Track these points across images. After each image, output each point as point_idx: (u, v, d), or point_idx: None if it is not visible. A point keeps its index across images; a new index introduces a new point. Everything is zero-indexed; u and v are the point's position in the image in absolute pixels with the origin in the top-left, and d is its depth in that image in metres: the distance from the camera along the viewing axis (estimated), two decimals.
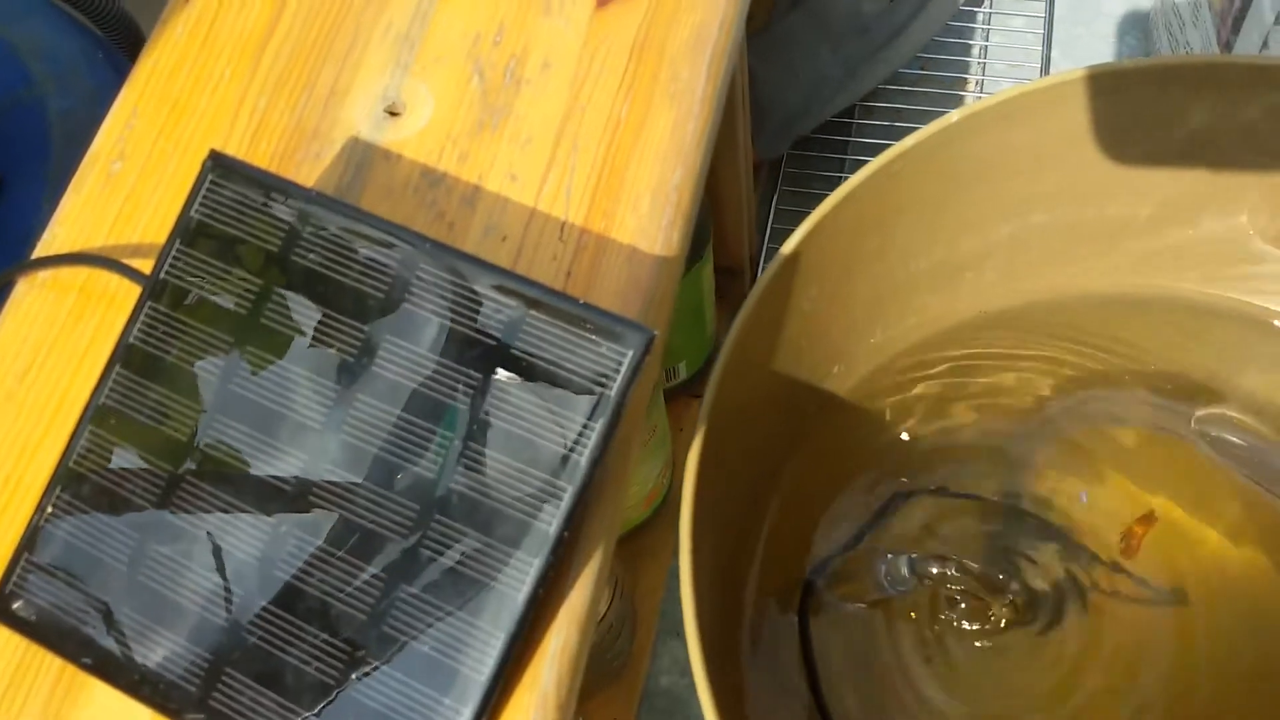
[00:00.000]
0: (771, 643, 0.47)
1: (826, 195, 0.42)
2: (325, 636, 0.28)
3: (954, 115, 0.43)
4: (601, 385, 0.28)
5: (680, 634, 0.69)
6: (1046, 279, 0.52)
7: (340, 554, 0.28)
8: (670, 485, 0.65)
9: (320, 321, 0.30)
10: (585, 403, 0.28)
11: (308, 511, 0.28)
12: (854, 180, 0.41)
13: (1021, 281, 0.51)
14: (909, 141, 0.42)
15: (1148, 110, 0.47)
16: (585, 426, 0.28)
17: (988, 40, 0.90)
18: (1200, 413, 0.52)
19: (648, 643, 0.64)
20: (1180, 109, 0.47)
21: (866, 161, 0.42)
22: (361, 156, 0.36)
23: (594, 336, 0.28)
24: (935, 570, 0.48)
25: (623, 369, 0.28)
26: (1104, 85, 0.45)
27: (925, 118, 0.43)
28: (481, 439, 0.28)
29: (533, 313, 0.29)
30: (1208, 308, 0.52)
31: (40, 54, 0.57)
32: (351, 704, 0.27)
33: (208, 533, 0.28)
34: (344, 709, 0.27)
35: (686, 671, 0.67)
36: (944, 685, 0.49)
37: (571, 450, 0.28)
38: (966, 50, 0.89)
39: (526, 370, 0.29)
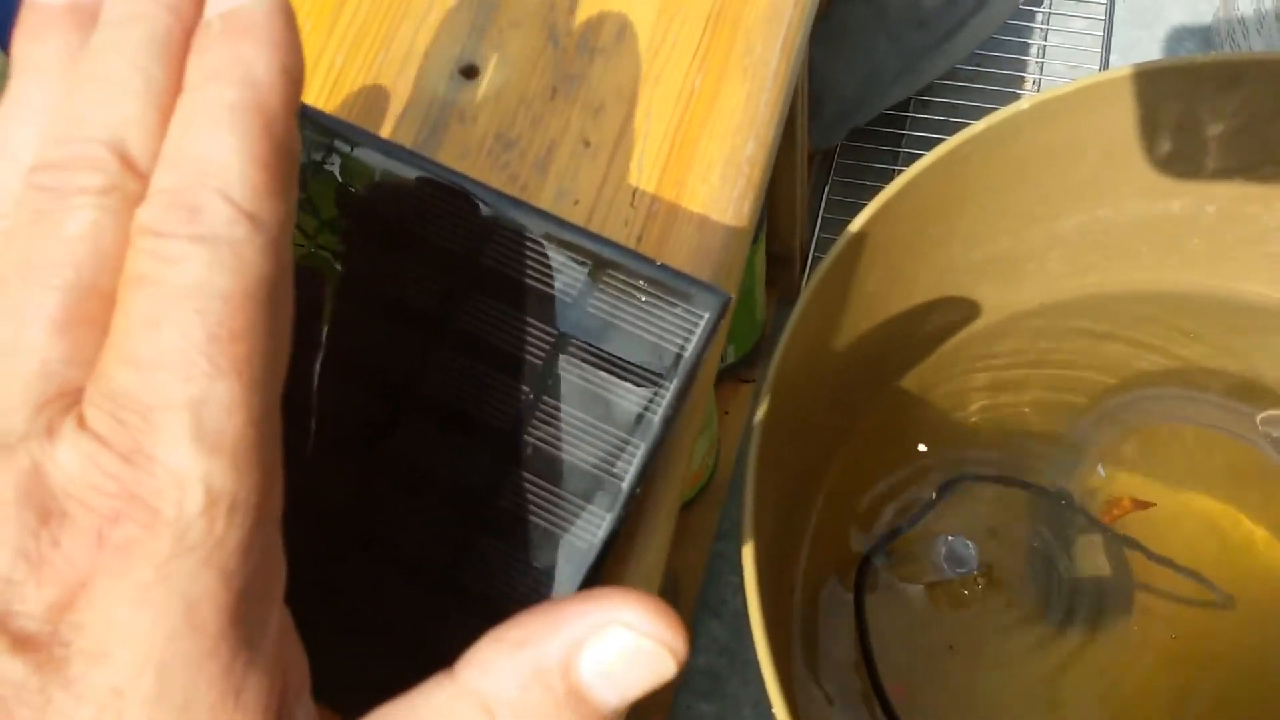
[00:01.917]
0: (826, 618, 0.47)
1: (879, 187, 0.42)
2: (399, 580, 0.28)
3: (1024, 102, 0.43)
4: (677, 346, 0.28)
5: (719, 614, 0.70)
6: (1110, 273, 0.51)
7: (414, 501, 0.28)
8: (714, 467, 0.65)
9: (397, 273, 0.30)
10: (660, 363, 0.28)
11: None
12: (923, 163, 0.41)
13: (1084, 275, 0.51)
14: (979, 126, 0.42)
15: (1218, 105, 0.46)
16: (660, 386, 0.28)
17: (1046, 40, 0.89)
18: (1264, 414, 0.52)
19: (688, 622, 0.65)
20: (1251, 106, 0.46)
21: (920, 155, 0.42)
22: (437, 117, 0.37)
23: (670, 298, 0.28)
24: (988, 556, 0.48)
25: (698, 330, 0.28)
26: (1175, 78, 0.45)
27: (981, 114, 0.43)
28: (556, 394, 0.28)
29: (609, 272, 0.29)
30: (1273, 308, 0.52)
31: None
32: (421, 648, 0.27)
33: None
34: (412, 655, 0.27)
35: (725, 651, 0.67)
36: (995, 672, 0.48)
37: (645, 409, 0.28)
38: (1024, 49, 0.88)
39: (602, 328, 0.29)
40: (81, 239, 0.16)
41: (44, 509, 0.15)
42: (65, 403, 0.15)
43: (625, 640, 0.17)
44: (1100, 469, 0.52)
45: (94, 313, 0.16)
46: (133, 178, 0.16)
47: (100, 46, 0.17)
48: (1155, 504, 0.51)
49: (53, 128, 0.17)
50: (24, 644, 0.14)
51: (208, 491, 0.15)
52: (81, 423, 0.15)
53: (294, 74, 0.17)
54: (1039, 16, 0.90)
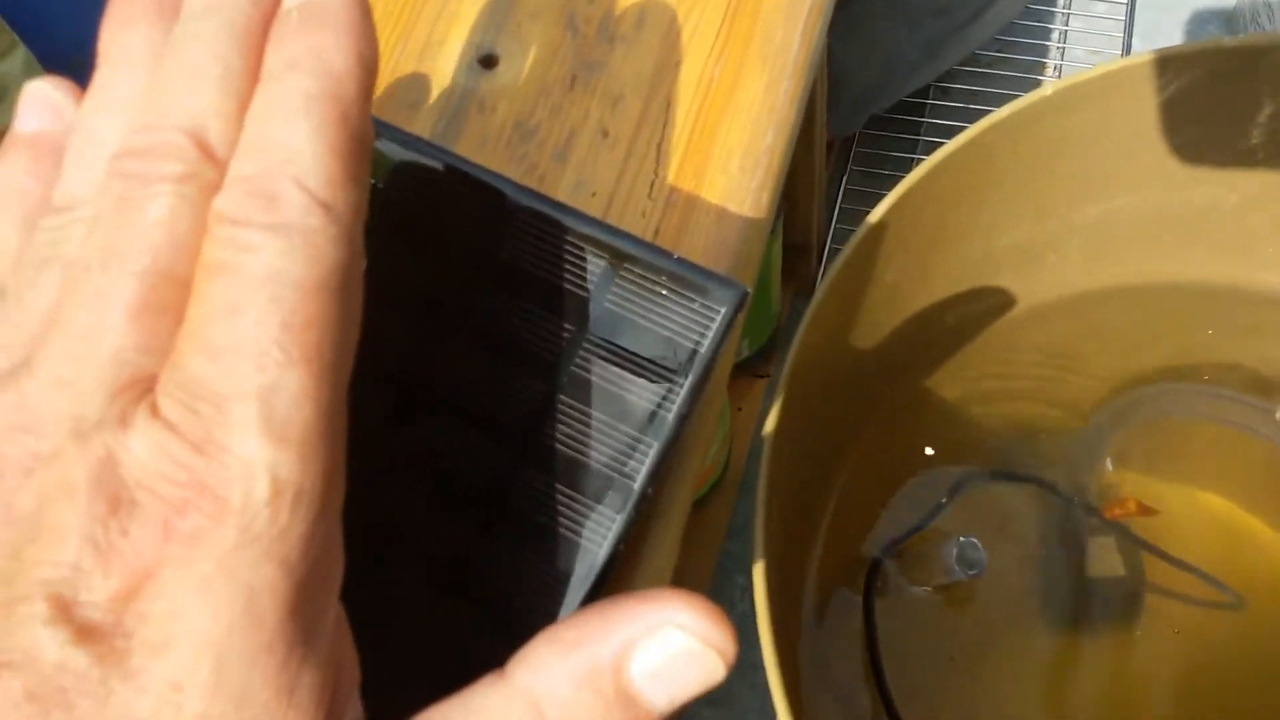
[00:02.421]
0: (834, 622, 0.47)
1: (898, 176, 0.41)
2: (407, 578, 0.28)
3: (1048, 88, 0.42)
4: (693, 341, 0.28)
5: (729, 614, 0.69)
6: (1130, 264, 0.50)
7: (423, 500, 0.28)
8: (726, 463, 0.65)
9: (411, 266, 0.30)
10: (675, 358, 0.28)
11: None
12: (945, 150, 0.41)
13: (1105, 265, 0.50)
14: (1003, 112, 0.41)
15: (1243, 91, 0.46)
16: (674, 382, 0.28)
17: (1067, 25, 0.88)
18: None
19: None
20: (1277, 91, 0.45)
21: (940, 143, 0.42)
22: (456, 107, 0.36)
23: (686, 291, 0.28)
24: (999, 557, 0.47)
25: (715, 325, 0.28)
26: (1201, 63, 0.44)
27: (1002, 101, 0.42)
28: (570, 390, 0.28)
29: (626, 265, 0.29)
30: None
31: None
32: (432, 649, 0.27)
33: None
34: (423, 654, 0.27)
35: None
36: (1004, 673, 0.48)
37: (659, 406, 0.27)
38: (1046, 34, 0.87)
39: (618, 323, 0.28)
40: (159, 225, 0.16)
41: (114, 498, 0.15)
42: (138, 390, 0.15)
43: (677, 642, 0.17)
44: (1109, 463, 0.51)
45: (169, 300, 0.16)
46: (211, 165, 0.16)
47: (182, 36, 0.17)
48: (1160, 511, 0.50)
49: (136, 116, 0.17)
50: (88, 634, 0.14)
51: (274, 481, 0.15)
52: (155, 412, 0.15)
53: (369, 64, 0.18)
54: (1060, 1, 0.89)
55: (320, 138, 0.16)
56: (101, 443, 0.15)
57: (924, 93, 0.82)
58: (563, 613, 0.27)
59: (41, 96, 0.20)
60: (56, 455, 0.15)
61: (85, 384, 0.15)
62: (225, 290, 0.15)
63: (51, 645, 0.14)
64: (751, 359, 0.68)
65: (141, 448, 0.15)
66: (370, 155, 0.19)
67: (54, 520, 0.15)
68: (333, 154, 0.16)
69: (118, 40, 0.19)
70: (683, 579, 0.63)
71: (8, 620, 0.14)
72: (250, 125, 0.17)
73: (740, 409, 0.68)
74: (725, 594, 0.68)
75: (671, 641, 0.17)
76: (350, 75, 0.17)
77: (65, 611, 0.14)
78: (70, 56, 0.55)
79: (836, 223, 0.78)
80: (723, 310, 0.28)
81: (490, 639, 0.27)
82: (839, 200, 0.79)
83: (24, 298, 0.17)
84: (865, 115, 0.78)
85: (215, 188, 0.16)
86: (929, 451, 0.51)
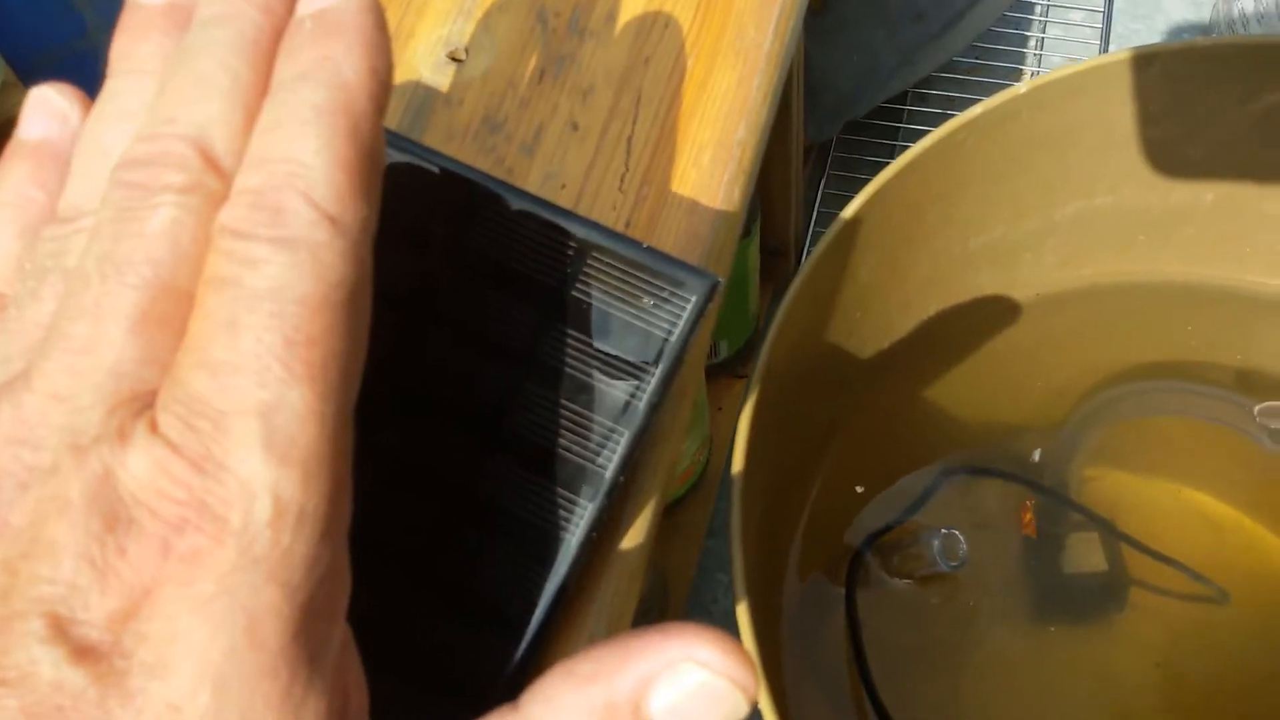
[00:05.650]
0: (817, 614, 0.47)
1: None
2: (377, 573, 0.27)
3: (1022, 86, 0.42)
4: (664, 331, 0.27)
5: (711, 613, 0.69)
6: (1106, 263, 0.50)
7: (393, 490, 0.27)
8: (706, 463, 0.64)
9: (381, 256, 0.29)
10: (646, 348, 0.27)
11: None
12: (918, 148, 0.40)
13: (1081, 265, 0.50)
14: (976, 110, 0.41)
15: (1218, 91, 0.46)
16: (646, 372, 0.27)
17: (1044, 32, 0.89)
18: (1262, 406, 0.51)
19: (679, 619, 0.64)
20: (1252, 91, 0.46)
21: None
22: (422, 101, 0.36)
23: (658, 281, 0.28)
24: (980, 551, 0.47)
25: (685, 315, 0.28)
26: (1175, 63, 0.44)
27: None
28: (540, 381, 0.28)
29: (596, 255, 0.28)
30: (1271, 299, 0.51)
31: (93, 3, 0.57)
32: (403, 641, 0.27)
33: None
34: (396, 647, 0.26)
35: None
36: (986, 667, 0.48)
37: (631, 396, 0.27)
38: (1023, 41, 0.88)
39: (589, 313, 0.28)
40: (161, 236, 0.16)
41: (112, 515, 0.14)
42: (138, 405, 0.15)
43: (698, 678, 0.17)
44: (1089, 459, 0.51)
45: (171, 313, 0.15)
46: (215, 176, 0.16)
47: (191, 45, 0.17)
48: (1034, 535, 0.50)
49: (142, 125, 0.17)
50: (85, 654, 0.14)
51: (276, 501, 0.15)
52: (154, 427, 0.15)
53: (383, 76, 0.17)
54: (1037, 9, 0.89)
55: (329, 151, 0.16)
56: (99, 458, 0.14)
57: (901, 99, 0.83)
58: (539, 602, 0.26)
59: (47, 102, 0.20)
60: (53, 470, 0.15)
61: (83, 398, 0.15)
62: (227, 304, 0.15)
63: (48, 664, 0.14)
64: (730, 360, 0.67)
65: (140, 464, 0.14)
66: (382, 170, 0.18)
67: (50, 536, 0.14)
68: (341, 167, 0.16)
69: (129, 50, 0.18)
70: (667, 577, 0.63)
71: (3, 637, 0.14)
72: (257, 137, 0.16)
73: (720, 409, 0.68)
74: (707, 591, 0.68)
75: (692, 677, 0.17)
76: (362, 87, 0.17)
77: (62, 630, 0.14)
78: (39, 55, 0.55)
79: (814, 226, 0.78)
80: (693, 299, 0.27)
81: (465, 630, 0.26)
82: (816, 204, 0.79)
83: (25, 308, 0.17)
84: (842, 120, 0.78)
85: (220, 200, 0.16)
86: (908, 447, 0.51)
